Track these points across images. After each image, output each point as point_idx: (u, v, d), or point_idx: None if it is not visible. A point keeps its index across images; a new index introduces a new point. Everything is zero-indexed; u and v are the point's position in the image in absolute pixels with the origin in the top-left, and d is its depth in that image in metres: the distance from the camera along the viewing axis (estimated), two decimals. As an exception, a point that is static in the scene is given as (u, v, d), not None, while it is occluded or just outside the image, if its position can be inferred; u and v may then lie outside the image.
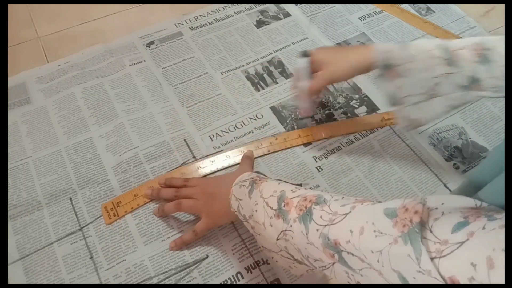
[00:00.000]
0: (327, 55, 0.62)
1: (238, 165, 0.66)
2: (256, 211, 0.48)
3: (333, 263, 0.39)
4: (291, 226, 0.43)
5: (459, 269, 0.27)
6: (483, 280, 0.25)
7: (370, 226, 0.35)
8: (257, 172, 0.58)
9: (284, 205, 0.45)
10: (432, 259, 0.29)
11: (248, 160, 0.65)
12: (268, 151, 0.68)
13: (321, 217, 0.41)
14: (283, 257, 0.48)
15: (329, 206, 0.41)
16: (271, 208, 0.46)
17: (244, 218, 0.51)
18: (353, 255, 0.36)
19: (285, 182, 0.51)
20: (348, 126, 0.72)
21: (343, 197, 0.42)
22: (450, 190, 0.65)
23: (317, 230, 0.40)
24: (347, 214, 0.38)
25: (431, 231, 0.30)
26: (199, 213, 0.58)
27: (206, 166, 0.66)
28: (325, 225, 0.39)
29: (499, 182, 0.35)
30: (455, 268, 0.27)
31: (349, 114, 0.74)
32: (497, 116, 0.73)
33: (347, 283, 0.38)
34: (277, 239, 0.46)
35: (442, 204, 0.32)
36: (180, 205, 0.58)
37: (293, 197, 0.45)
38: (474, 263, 0.26)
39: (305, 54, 0.62)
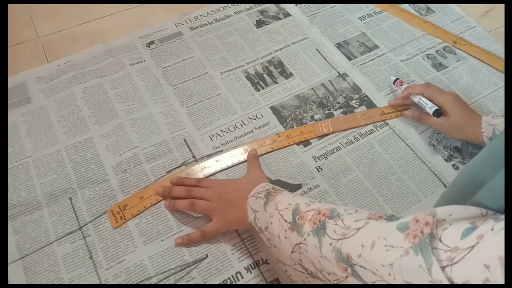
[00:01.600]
0: (456, 120, 0.66)
1: (241, 164, 0.66)
2: (271, 223, 0.49)
3: (346, 277, 0.39)
4: (305, 239, 0.44)
5: (472, 273, 0.27)
6: (498, 280, 0.25)
7: (381, 241, 0.36)
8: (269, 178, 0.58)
9: (299, 218, 0.46)
10: (444, 267, 0.29)
11: (256, 161, 0.65)
12: (272, 148, 0.68)
13: (334, 231, 0.41)
14: (297, 271, 0.48)
15: (342, 220, 0.42)
16: (286, 221, 0.47)
17: (260, 230, 0.52)
18: (365, 268, 0.37)
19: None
20: (349, 121, 0.72)
21: (356, 211, 0.43)
22: (449, 190, 0.65)
23: (330, 244, 0.41)
24: (359, 228, 0.39)
25: (440, 241, 0.31)
26: (211, 215, 0.58)
27: (211, 166, 0.66)
28: (338, 239, 0.40)
29: (498, 183, 0.35)
30: (468, 272, 0.28)
31: (349, 114, 0.74)
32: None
33: None
34: (292, 252, 0.46)
35: (450, 215, 0.32)
36: (194, 205, 0.58)
37: (308, 211, 0.46)
38: (488, 265, 0.26)
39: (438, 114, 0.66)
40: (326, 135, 0.71)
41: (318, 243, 0.42)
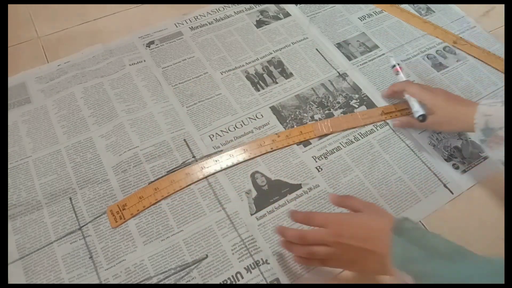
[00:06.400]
0: (443, 115, 0.64)
1: (241, 164, 0.66)
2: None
3: None
4: None
5: None
6: None
7: None
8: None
9: None
10: None
11: (373, 206, 0.53)
12: (271, 148, 0.68)
13: None
14: None
15: None
16: None
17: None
18: None
19: None
20: (348, 121, 0.72)
21: None
22: (450, 190, 0.65)
23: None
24: None
25: None
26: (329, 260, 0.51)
27: (210, 165, 0.66)
28: None
29: None
30: None
31: (348, 114, 0.74)
32: (497, 116, 0.73)
33: None
34: None
35: None
36: (313, 255, 0.51)
37: None
38: None
39: (423, 119, 0.66)
40: (326, 135, 0.71)
41: None
